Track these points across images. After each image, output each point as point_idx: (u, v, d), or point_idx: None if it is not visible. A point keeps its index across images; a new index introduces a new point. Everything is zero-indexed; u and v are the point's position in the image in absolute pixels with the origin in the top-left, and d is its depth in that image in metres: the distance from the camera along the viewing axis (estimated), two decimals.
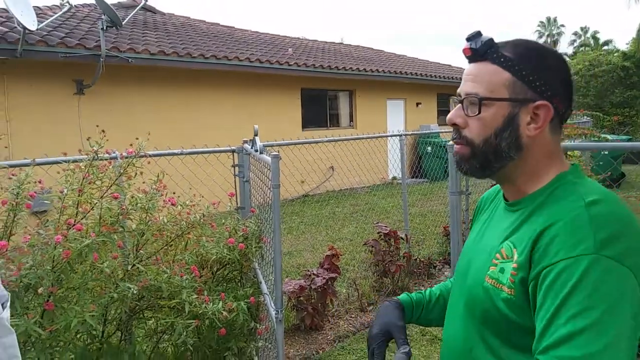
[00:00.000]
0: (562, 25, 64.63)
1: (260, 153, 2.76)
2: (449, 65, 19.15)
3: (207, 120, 9.59)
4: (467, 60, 1.04)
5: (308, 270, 4.41)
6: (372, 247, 5.04)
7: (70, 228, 2.21)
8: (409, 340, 1.12)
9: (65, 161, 2.35)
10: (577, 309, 0.82)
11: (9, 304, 1.16)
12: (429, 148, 13.03)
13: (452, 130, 1.07)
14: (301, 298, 4.21)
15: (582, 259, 0.84)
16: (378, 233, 5.17)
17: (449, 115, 1.05)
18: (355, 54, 15.23)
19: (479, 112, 0.99)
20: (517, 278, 0.92)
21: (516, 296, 0.92)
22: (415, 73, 14.06)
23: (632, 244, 0.86)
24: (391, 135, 6.64)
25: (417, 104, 14.96)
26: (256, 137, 2.92)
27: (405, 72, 13.65)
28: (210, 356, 3.20)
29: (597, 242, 0.85)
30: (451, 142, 1.09)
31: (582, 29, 54.88)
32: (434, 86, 15.32)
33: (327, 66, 11.53)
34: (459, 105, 1.03)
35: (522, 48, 1.00)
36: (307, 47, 14.08)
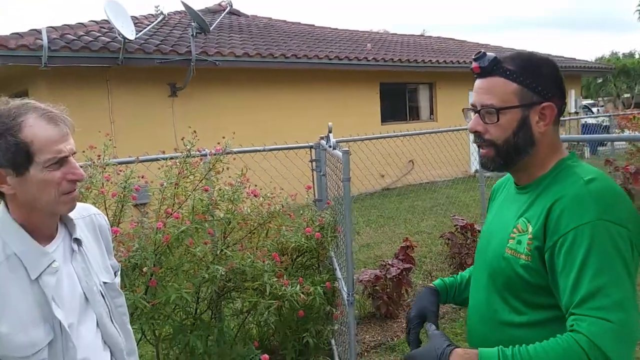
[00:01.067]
0: None
1: (334, 149, 2.96)
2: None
3: (287, 118, 9.97)
4: (476, 77, 1.24)
5: (383, 261, 4.57)
6: (449, 239, 5.10)
7: (168, 217, 2.54)
8: (438, 324, 1.34)
9: (163, 158, 2.69)
10: (596, 268, 1.05)
11: (119, 272, 1.45)
12: None
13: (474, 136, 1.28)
14: (377, 287, 4.38)
15: (589, 225, 1.07)
16: (455, 226, 5.21)
17: (470, 125, 1.27)
18: (436, 46, 15.02)
19: (498, 120, 1.20)
20: (532, 247, 1.15)
21: (532, 262, 1.15)
22: None
23: (624, 210, 1.11)
24: (463, 129, 6.56)
25: (465, 113, 14.49)
26: (330, 134, 3.13)
27: None
28: (290, 336, 3.47)
29: (597, 210, 1.08)
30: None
31: None
32: None
33: (406, 60, 11.52)
34: (476, 115, 1.24)
35: (521, 60, 1.22)
36: (386, 42, 14.11)
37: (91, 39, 7.63)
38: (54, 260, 1.20)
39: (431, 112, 13.24)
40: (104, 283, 1.34)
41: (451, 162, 8.44)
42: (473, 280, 1.38)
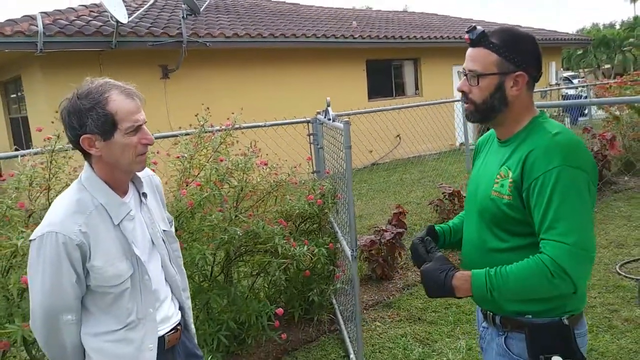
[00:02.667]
0: None
1: (333, 121, 3.24)
2: (519, 26, 18.59)
3: (278, 96, 10.19)
4: (468, 46, 1.54)
5: (378, 227, 4.90)
6: (437, 206, 5.44)
7: (187, 186, 2.82)
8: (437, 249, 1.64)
9: (179, 134, 2.96)
10: (558, 203, 1.35)
11: (173, 223, 1.75)
12: None
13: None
14: (372, 251, 4.71)
15: (555, 169, 1.36)
16: (442, 193, 5.55)
17: (458, 85, 1.57)
18: (420, 22, 15.22)
19: (478, 83, 1.49)
20: (512, 188, 1.45)
21: (513, 200, 1.45)
22: None
23: (582, 157, 1.40)
24: (454, 101, 6.88)
25: (459, 74, 14.76)
26: (329, 108, 3.40)
27: None
28: (297, 295, 3.80)
29: (562, 158, 1.36)
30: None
31: None
32: None
33: (392, 36, 11.74)
34: (464, 77, 1.53)
35: (504, 35, 1.48)
36: (371, 19, 14.27)
37: (83, 23, 7.74)
38: (131, 210, 1.50)
39: (416, 88, 13.51)
40: (164, 231, 1.64)
41: (438, 135, 8.73)
42: (466, 219, 1.69)
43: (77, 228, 1.40)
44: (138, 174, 1.58)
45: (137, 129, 1.45)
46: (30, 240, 1.42)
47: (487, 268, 1.42)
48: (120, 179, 1.52)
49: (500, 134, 1.58)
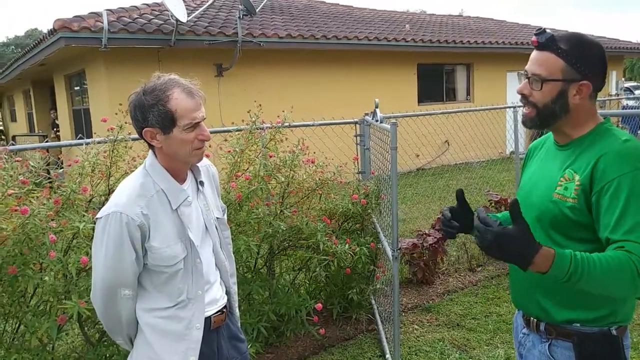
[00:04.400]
0: None
1: (381, 122, 3.29)
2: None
3: (327, 97, 10.29)
4: (535, 48, 1.50)
5: (421, 231, 4.89)
6: None
7: (237, 179, 2.94)
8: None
9: (232, 130, 3.08)
10: (637, 206, 1.32)
11: (226, 211, 1.85)
12: None
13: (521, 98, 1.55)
14: (414, 254, 4.72)
15: (630, 173, 1.34)
16: (489, 201, 5.48)
17: (519, 87, 1.53)
18: (474, 26, 14.98)
19: (541, 88, 1.46)
20: (579, 191, 1.41)
21: (578, 204, 1.42)
22: None
23: None
24: (504, 107, 6.76)
25: (520, 76, 14.36)
26: (377, 109, 3.45)
27: (527, 43, 13.21)
28: (336, 293, 3.87)
29: (635, 163, 1.35)
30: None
31: None
32: None
33: (444, 40, 11.63)
34: (526, 80, 1.51)
35: (574, 41, 1.45)
36: (424, 22, 14.17)
37: (145, 21, 8.09)
38: (189, 196, 1.62)
39: (468, 93, 13.31)
40: (217, 218, 1.75)
41: (487, 142, 8.57)
42: None
43: (139, 210, 1.52)
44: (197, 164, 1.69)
45: (195, 125, 1.55)
46: (97, 219, 1.55)
47: (572, 250, 1.31)
48: (179, 168, 1.63)
49: (560, 139, 1.56)
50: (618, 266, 1.28)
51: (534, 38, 1.48)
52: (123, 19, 7.99)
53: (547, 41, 1.45)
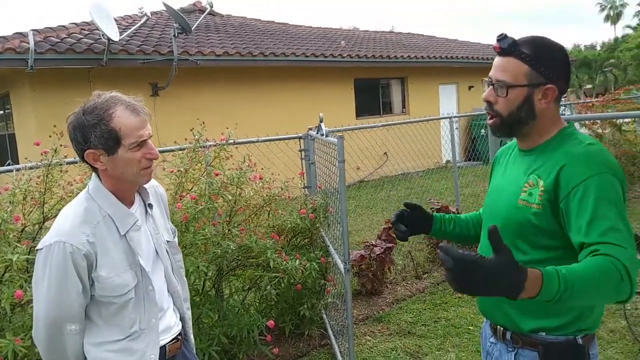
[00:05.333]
0: None
1: (326, 136, 3.31)
2: None
3: (267, 113, 10.28)
4: (497, 54, 1.48)
5: (367, 242, 4.95)
6: None
7: (182, 199, 2.86)
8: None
9: (176, 149, 3.00)
10: (606, 208, 1.29)
11: (177, 234, 1.79)
12: (483, 130, 13.16)
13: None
14: (362, 266, 4.75)
15: (596, 176, 1.32)
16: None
17: (484, 95, 1.50)
18: (406, 42, 15.50)
19: (507, 94, 1.43)
20: (543, 197, 1.38)
21: (543, 209, 1.39)
22: (467, 57, 14.18)
23: (614, 165, 1.36)
24: (441, 118, 7.02)
25: (470, 87, 15.04)
26: (321, 124, 3.47)
27: (457, 57, 13.82)
28: (288, 310, 3.82)
29: (599, 166, 1.33)
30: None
31: None
32: (486, 69, 15.22)
33: (379, 56, 11.94)
34: (491, 87, 1.48)
35: (536, 44, 1.42)
36: (358, 38, 14.51)
37: (74, 40, 7.78)
38: (137, 220, 1.54)
39: (403, 106, 13.70)
40: (167, 241, 1.67)
41: (424, 153, 8.83)
42: (484, 229, 1.60)
43: (84, 238, 1.43)
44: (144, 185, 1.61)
45: (142, 143, 1.48)
46: (37, 250, 1.45)
47: (554, 267, 1.21)
48: (126, 190, 1.55)
49: (524, 144, 1.53)
50: (602, 273, 1.21)
51: (495, 44, 1.44)
52: (50, 38, 7.65)
53: (510, 46, 1.42)
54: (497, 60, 1.46)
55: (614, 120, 7.27)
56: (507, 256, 1.14)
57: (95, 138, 1.43)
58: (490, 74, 1.47)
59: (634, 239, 1.32)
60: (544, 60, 1.41)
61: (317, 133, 3.61)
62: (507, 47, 1.42)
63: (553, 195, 1.37)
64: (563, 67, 1.44)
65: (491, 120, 1.50)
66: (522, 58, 1.41)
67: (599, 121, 7.46)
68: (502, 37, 1.44)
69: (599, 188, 1.31)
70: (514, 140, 1.61)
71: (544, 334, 1.42)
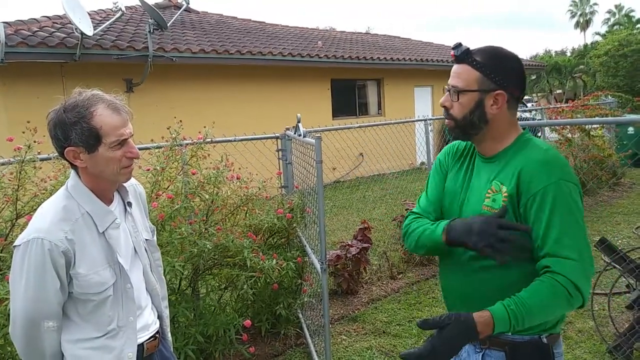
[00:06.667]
0: (595, 4, 62.60)
1: (304, 137, 3.32)
2: None
3: (244, 112, 10.23)
4: (454, 62, 1.56)
5: (343, 242, 4.98)
6: (401, 222, 5.57)
7: (158, 198, 2.83)
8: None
9: (153, 147, 2.97)
10: (561, 217, 1.37)
11: (155, 232, 1.78)
12: None
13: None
14: (338, 266, 4.78)
15: (554, 184, 1.38)
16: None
17: (441, 100, 1.58)
18: (383, 44, 15.62)
19: (458, 99, 1.51)
20: (507, 203, 1.44)
21: (507, 215, 1.44)
22: (442, 60, 14.37)
23: (570, 171, 1.44)
24: (416, 120, 7.10)
25: (444, 90, 15.21)
26: (299, 124, 3.49)
27: (432, 60, 14.00)
28: (264, 309, 3.82)
29: (557, 173, 1.40)
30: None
31: (616, 7, 53.24)
32: None
33: (356, 57, 12.01)
34: (447, 92, 1.56)
35: (488, 53, 1.51)
36: (335, 39, 14.56)
37: (46, 34, 7.61)
38: (116, 218, 1.53)
39: (379, 108, 13.81)
40: (146, 240, 1.67)
41: (399, 154, 8.92)
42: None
43: (63, 235, 1.42)
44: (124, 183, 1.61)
45: (123, 142, 1.47)
46: (15, 246, 1.43)
47: (502, 303, 1.36)
48: (105, 188, 1.54)
49: (484, 151, 1.58)
50: (550, 296, 1.34)
51: (451, 52, 1.54)
52: (22, 32, 7.46)
53: (463, 54, 1.50)
54: (454, 67, 1.54)
55: (583, 125, 7.47)
56: (446, 329, 1.33)
57: (75, 136, 1.42)
58: (449, 81, 1.56)
59: (589, 246, 1.40)
60: (495, 67, 1.48)
61: (295, 133, 3.63)
62: (461, 54, 1.51)
63: (516, 201, 1.43)
64: (516, 75, 1.51)
65: (447, 122, 1.58)
66: (474, 65, 1.49)
67: (568, 126, 7.66)
68: (457, 46, 1.52)
69: (555, 196, 1.37)
70: (465, 142, 1.66)
71: (509, 334, 1.45)
